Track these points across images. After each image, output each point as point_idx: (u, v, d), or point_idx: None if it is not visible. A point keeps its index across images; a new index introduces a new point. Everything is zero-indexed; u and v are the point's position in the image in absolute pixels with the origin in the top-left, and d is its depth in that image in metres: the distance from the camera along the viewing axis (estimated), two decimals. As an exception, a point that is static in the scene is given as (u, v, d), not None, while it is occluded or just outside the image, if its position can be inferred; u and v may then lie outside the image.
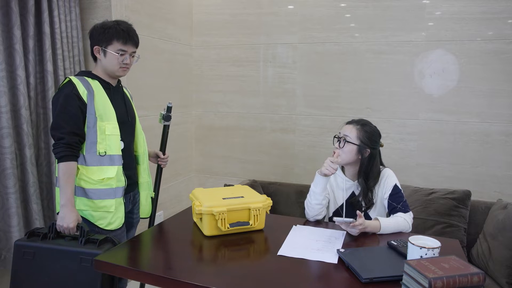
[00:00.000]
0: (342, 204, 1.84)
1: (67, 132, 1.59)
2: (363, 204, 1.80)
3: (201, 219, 1.57)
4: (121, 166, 1.71)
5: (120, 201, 1.71)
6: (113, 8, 2.28)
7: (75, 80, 1.64)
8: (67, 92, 1.61)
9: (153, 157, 2.06)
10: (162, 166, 2.08)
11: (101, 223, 1.67)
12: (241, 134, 3.17)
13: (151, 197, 1.98)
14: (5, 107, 1.84)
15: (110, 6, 2.27)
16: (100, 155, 1.65)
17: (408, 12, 2.61)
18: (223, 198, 1.63)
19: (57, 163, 1.60)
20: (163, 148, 2.06)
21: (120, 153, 1.70)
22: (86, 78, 1.68)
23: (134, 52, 1.74)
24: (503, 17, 2.42)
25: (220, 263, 1.40)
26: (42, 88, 2.09)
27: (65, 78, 1.68)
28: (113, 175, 1.66)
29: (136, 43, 1.73)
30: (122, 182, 1.71)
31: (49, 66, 2.05)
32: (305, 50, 2.89)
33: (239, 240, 1.54)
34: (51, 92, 2.06)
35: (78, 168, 1.64)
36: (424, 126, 2.67)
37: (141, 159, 1.89)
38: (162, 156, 2.04)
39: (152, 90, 2.73)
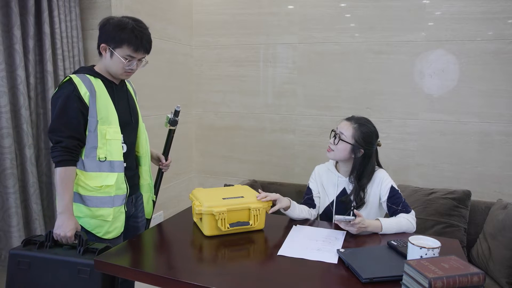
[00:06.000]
0: (333, 201, 1.84)
1: (66, 136, 1.49)
2: (354, 202, 1.79)
3: (201, 219, 1.57)
4: (123, 173, 1.61)
5: (120, 209, 1.62)
6: (113, 8, 2.28)
7: (76, 79, 1.52)
8: (68, 93, 1.50)
9: (155, 159, 1.97)
10: (163, 170, 1.99)
11: (98, 232, 1.59)
12: (241, 134, 3.17)
13: (153, 200, 1.90)
14: (5, 107, 1.85)
15: (110, 6, 2.26)
16: (100, 161, 1.55)
17: (408, 12, 2.61)
18: (223, 198, 1.62)
19: (55, 167, 1.50)
20: (166, 152, 1.98)
21: (122, 159, 1.60)
22: (88, 76, 1.56)
23: (143, 57, 1.62)
24: (503, 17, 2.42)
25: (220, 263, 1.40)
26: (42, 88, 2.09)
27: (66, 77, 1.57)
28: (112, 182, 1.57)
29: (147, 51, 1.60)
30: (122, 190, 1.62)
31: (49, 66, 2.05)
32: (305, 50, 2.89)
33: (239, 240, 1.54)
34: (51, 92, 2.06)
35: (76, 173, 1.54)
36: (424, 126, 2.67)
37: (143, 160, 1.80)
38: (164, 161, 1.95)
39: (152, 90, 2.73)
